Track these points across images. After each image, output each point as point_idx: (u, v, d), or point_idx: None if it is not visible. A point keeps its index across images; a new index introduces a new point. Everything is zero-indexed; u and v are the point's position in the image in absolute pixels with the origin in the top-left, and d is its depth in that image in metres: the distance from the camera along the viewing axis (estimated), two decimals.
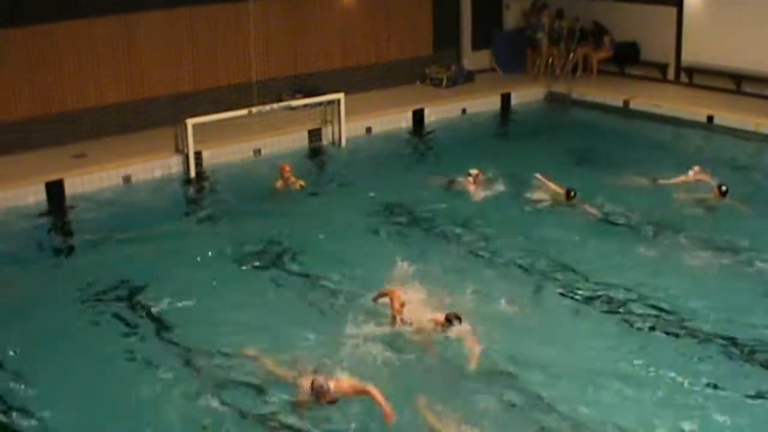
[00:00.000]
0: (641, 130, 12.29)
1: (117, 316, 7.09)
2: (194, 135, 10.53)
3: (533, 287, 7.47)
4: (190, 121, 10.53)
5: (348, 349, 6.28)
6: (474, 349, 6.11)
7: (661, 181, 9.66)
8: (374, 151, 11.69)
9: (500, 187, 9.77)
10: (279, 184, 9.83)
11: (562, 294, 7.39)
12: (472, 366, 5.98)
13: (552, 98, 13.92)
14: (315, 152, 11.64)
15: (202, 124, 10.64)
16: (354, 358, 6.16)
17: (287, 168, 9.86)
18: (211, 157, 10.98)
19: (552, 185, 9.28)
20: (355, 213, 9.23)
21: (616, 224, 8.80)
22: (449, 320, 6.31)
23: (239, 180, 10.52)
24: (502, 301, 7.08)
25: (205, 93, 11.88)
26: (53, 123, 10.92)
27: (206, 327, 6.83)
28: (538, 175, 9.41)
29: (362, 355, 6.21)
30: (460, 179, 9.75)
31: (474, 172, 9.67)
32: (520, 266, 7.85)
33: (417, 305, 6.68)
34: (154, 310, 7.09)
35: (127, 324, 6.94)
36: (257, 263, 8.02)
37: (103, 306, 7.26)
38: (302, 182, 9.84)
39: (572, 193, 9.08)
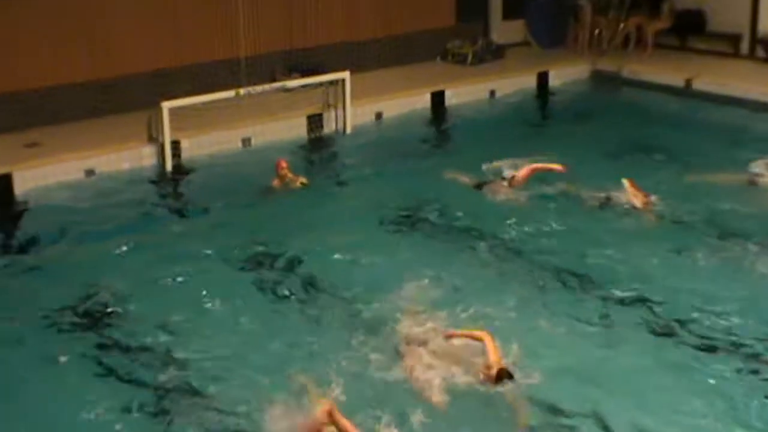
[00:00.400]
0: (707, 115, 12.06)
1: (75, 338, 6.94)
2: (171, 120, 10.43)
3: (582, 307, 7.18)
4: (166, 104, 10.41)
5: (355, 386, 6.09)
6: (521, 409, 5.84)
7: (763, 179, 9.38)
8: (386, 141, 11.60)
9: (538, 185, 9.55)
10: (275, 182, 9.72)
11: (621, 317, 7.07)
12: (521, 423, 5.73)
13: (599, 77, 13.74)
14: (315, 142, 11.58)
15: (181, 108, 10.54)
16: (362, 395, 5.98)
17: (284, 164, 9.75)
18: (192, 147, 10.89)
19: (633, 193, 8.89)
20: (364, 215, 9.12)
21: (689, 232, 8.52)
22: (500, 378, 5.97)
23: (225, 175, 10.42)
24: (544, 322, 6.88)
25: (184, 70, 11.75)
26: (0, 105, 10.77)
27: (186, 351, 6.68)
28: (625, 182, 8.96)
29: (374, 393, 6.04)
30: (494, 180, 9.58)
31: (509, 174, 9.45)
32: (565, 280, 7.63)
33: (439, 332, 6.50)
34: (119, 332, 6.99)
35: (85, 354, 6.74)
36: (247, 275, 7.90)
37: (60, 327, 7.11)
38: (303, 179, 9.73)
39: (651, 201, 8.86)
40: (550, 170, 9.23)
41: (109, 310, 7.28)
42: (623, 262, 7.88)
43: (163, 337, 6.85)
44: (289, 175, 9.67)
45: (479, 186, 9.58)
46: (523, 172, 9.37)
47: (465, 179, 9.78)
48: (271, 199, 9.61)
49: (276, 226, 8.84)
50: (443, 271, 7.64)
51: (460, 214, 9.08)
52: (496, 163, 9.82)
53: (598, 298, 7.32)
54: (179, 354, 6.62)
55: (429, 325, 6.63)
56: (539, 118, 12.91)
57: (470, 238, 8.54)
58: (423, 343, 6.35)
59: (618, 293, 7.36)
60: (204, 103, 10.70)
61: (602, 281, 7.55)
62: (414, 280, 7.38)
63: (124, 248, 8.42)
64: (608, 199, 9.05)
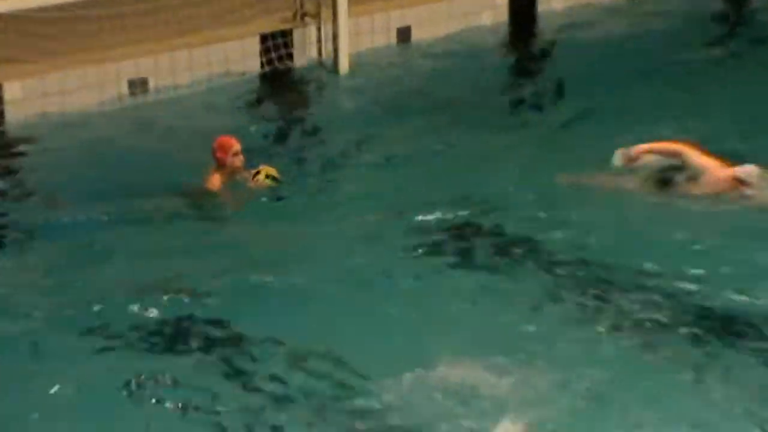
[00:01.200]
0: None
1: None
2: None
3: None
4: None
5: None
6: None
7: None
8: (417, 89, 11.45)
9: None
10: (213, 179, 9.60)
11: None
12: None
13: None
14: (277, 87, 11.50)
15: (6, 20, 10.50)
16: None
17: (236, 145, 9.55)
18: (27, 98, 10.78)
19: None
20: (376, 235, 8.96)
21: None
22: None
23: (97, 158, 10.26)
24: None
25: None
26: None
27: None
28: None
29: None
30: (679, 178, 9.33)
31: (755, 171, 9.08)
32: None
33: None
34: None
35: None
36: (146, 346, 7.54)
37: None
38: (272, 171, 9.66)
39: None
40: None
41: None
42: None
43: None
44: (244, 171, 9.61)
45: (658, 185, 9.33)
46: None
47: (591, 179, 9.62)
48: (207, 211, 9.54)
49: (209, 265, 8.56)
50: (527, 331, 7.33)
51: (560, 230, 8.82)
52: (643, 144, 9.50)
53: None
54: None
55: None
56: (726, 36, 12.71)
57: (577, 272, 8.17)
58: None
59: None
60: (50, 9, 10.42)
61: None
62: (457, 363, 7.05)
63: None
64: None
